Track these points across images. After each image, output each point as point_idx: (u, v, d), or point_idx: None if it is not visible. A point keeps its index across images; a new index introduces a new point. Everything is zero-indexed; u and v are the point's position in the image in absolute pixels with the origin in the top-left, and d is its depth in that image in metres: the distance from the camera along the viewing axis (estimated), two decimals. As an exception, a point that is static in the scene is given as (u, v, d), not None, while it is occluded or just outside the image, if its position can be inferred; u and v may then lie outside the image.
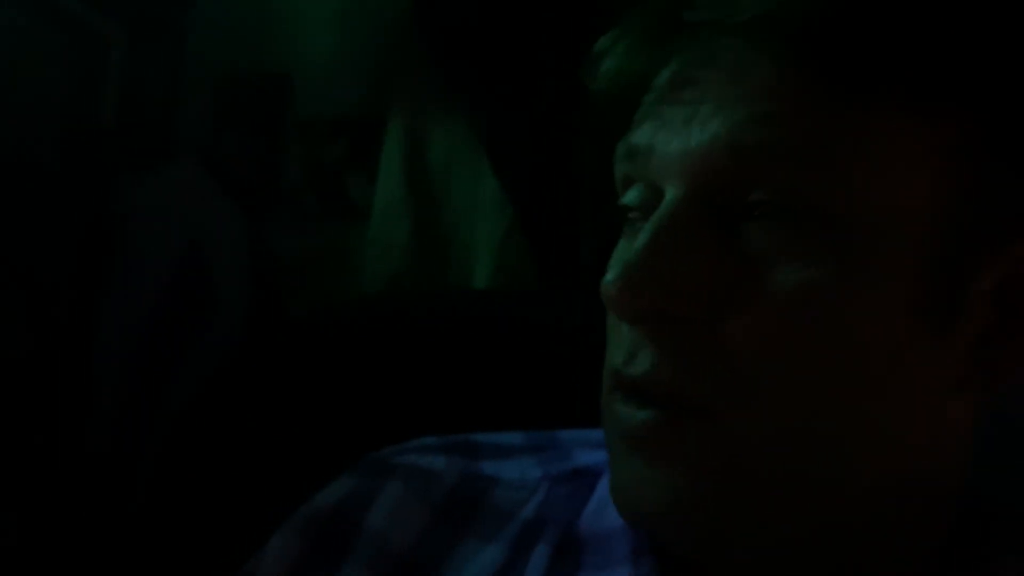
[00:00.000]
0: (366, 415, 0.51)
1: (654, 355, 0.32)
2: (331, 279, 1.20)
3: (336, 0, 1.23)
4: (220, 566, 0.42)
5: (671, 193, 0.33)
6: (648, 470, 0.32)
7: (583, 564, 0.36)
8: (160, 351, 1.24)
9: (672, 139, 0.33)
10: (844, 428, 0.32)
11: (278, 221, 1.29)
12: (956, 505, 0.35)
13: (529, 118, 0.87)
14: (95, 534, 1.04)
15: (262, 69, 1.28)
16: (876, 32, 0.31)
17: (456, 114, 0.98)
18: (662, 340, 0.32)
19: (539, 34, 0.83)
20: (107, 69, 1.23)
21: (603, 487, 0.38)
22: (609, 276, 0.32)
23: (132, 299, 1.27)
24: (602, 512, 0.37)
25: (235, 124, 1.30)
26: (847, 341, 0.31)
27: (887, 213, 0.31)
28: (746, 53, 0.32)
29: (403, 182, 1.03)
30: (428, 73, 1.00)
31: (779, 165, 0.31)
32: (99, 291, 1.26)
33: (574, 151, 0.80)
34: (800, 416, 0.31)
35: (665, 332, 0.32)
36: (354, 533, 0.38)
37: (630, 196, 0.35)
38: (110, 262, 1.27)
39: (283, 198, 1.30)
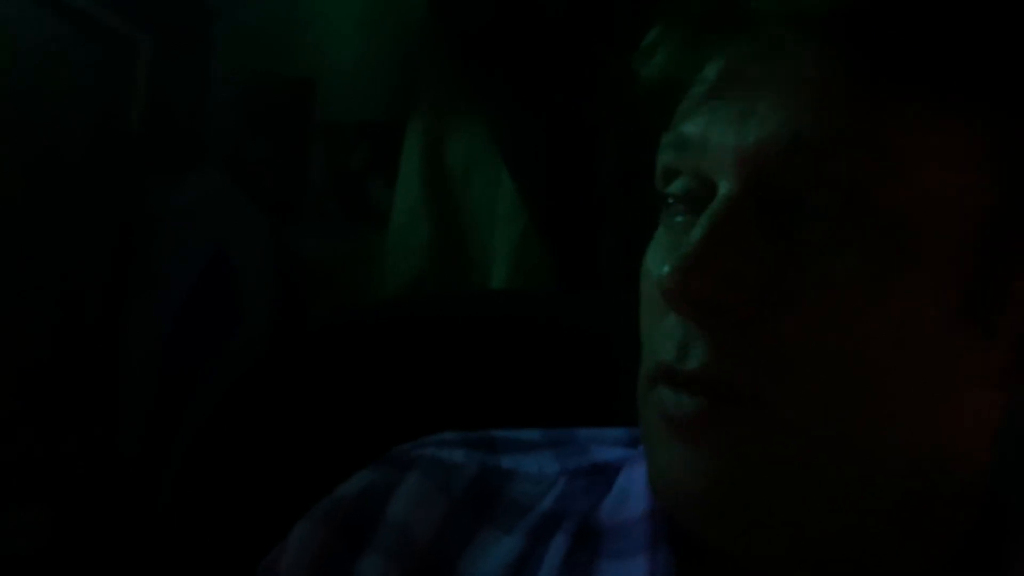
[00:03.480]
0: (388, 416, 0.51)
1: (708, 348, 0.32)
2: (354, 282, 1.21)
3: (359, 6, 1.24)
4: (244, 565, 0.43)
5: (726, 187, 0.33)
6: (692, 454, 0.33)
7: (601, 553, 0.37)
8: (186, 353, 1.26)
9: (727, 132, 0.33)
10: (887, 421, 0.32)
11: (302, 225, 1.30)
12: (978, 502, 0.35)
13: (548, 120, 0.87)
14: (123, 533, 1.05)
15: (286, 75, 1.29)
16: (928, 29, 0.31)
17: (475, 117, 0.98)
18: (717, 333, 0.32)
19: (558, 37, 0.83)
20: (134, 77, 1.25)
21: (622, 480, 0.39)
22: (667, 267, 0.32)
23: (159, 303, 1.29)
24: (622, 503, 0.38)
25: (259, 130, 1.31)
26: (896, 335, 0.32)
27: (937, 209, 0.31)
28: (800, 48, 0.32)
29: (422, 185, 1.03)
30: (448, 77, 1.01)
31: (837, 159, 0.31)
32: (127, 295, 1.27)
33: (594, 153, 0.80)
34: (848, 408, 0.32)
35: (720, 325, 0.32)
36: (375, 523, 0.39)
37: (675, 186, 0.35)
38: (137, 267, 1.28)
39: (307, 202, 1.31)
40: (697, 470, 0.32)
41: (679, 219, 0.35)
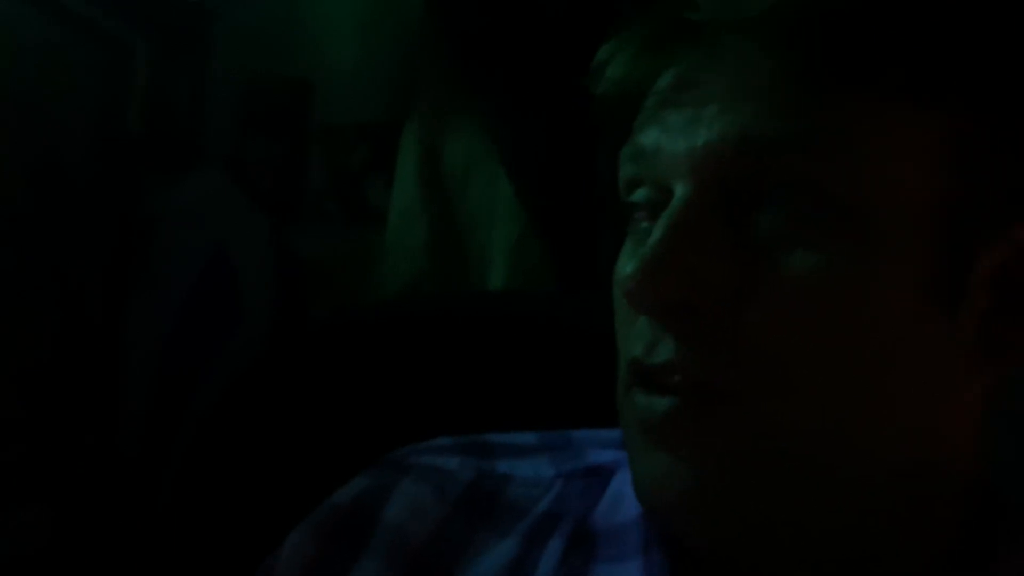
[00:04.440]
0: (387, 417, 0.51)
1: (675, 344, 0.33)
2: (353, 282, 1.21)
3: (357, 7, 1.24)
4: (244, 565, 0.43)
5: (681, 190, 0.33)
6: (671, 460, 0.33)
7: (596, 556, 0.37)
8: (186, 354, 1.26)
9: (678, 139, 0.34)
10: (861, 410, 0.32)
11: (301, 226, 1.31)
12: (970, 494, 0.35)
13: (546, 121, 0.87)
14: (123, 533, 1.06)
15: (285, 76, 1.29)
16: (878, 25, 0.32)
17: (473, 118, 0.98)
18: (682, 330, 0.33)
19: (554, 38, 0.83)
20: (133, 78, 1.25)
21: (617, 483, 0.39)
22: (628, 269, 0.33)
23: (159, 303, 1.29)
24: (616, 506, 0.38)
25: (258, 131, 1.31)
26: (860, 323, 0.32)
27: (893, 199, 0.32)
28: (749, 51, 0.32)
29: (420, 186, 1.03)
30: (447, 78, 1.01)
31: (787, 155, 0.32)
32: (127, 296, 1.28)
33: (592, 153, 0.80)
34: (819, 398, 0.32)
35: (685, 322, 0.33)
36: (371, 527, 0.39)
37: (637, 195, 0.36)
38: (137, 267, 1.28)
39: (306, 203, 1.31)
40: (677, 475, 0.33)
41: (643, 226, 0.36)
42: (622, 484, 0.38)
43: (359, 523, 0.39)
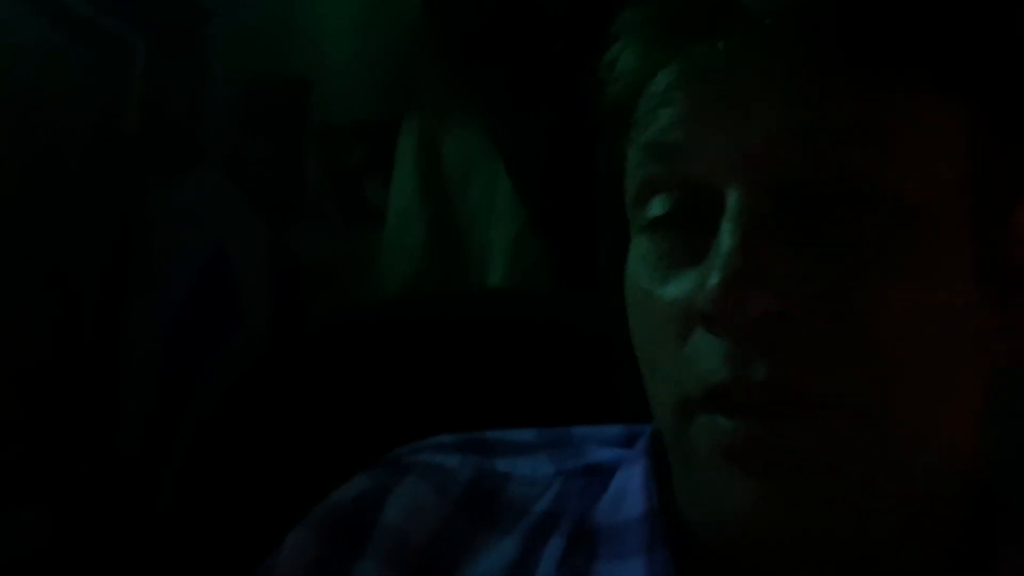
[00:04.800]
0: (387, 417, 0.51)
1: (771, 358, 0.31)
2: (352, 282, 1.21)
3: (354, 6, 1.24)
4: (244, 565, 0.43)
5: (737, 191, 0.31)
6: (763, 487, 0.31)
7: (598, 555, 0.37)
8: (185, 354, 1.26)
9: (720, 135, 0.32)
10: (939, 404, 0.32)
11: (299, 226, 1.31)
12: (969, 493, 0.35)
13: (545, 119, 0.87)
14: (123, 533, 1.06)
15: (282, 76, 1.29)
16: (910, 17, 0.32)
17: (472, 116, 0.98)
18: (777, 343, 0.31)
19: (554, 35, 0.83)
20: (131, 78, 1.25)
21: (618, 481, 0.39)
22: (712, 281, 0.30)
23: (158, 304, 1.29)
24: (617, 505, 0.38)
25: (256, 130, 1.31)
26: (937, 316, 0.32)
27: (936, 188, 0.32)
28: (788, 44, 0.31)
29: (418, 185, 1.03)
30: (445, 77, 1.01)
31: (843, 147, 0.31)
32: (126, 296, 1.27)
33: (592, 151, 0.80)
34: (913, 395, 0.32)
35: (778, 334, 0.31)
36: (371, 527, 0.39)
37: (657, 205, 0.34)
38: (136, 268, 1.28)
39: (304, 203, 1.31)
40: (770, 504, 0.31)
41: (669, 234, 0.34)
42: (624, 481, 0.38)
43: (359, 523, 0.39)
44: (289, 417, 0.53)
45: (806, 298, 0.31)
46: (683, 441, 0.33)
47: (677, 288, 0.33)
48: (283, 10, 1.27)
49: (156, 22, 1.25)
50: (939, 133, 0.32)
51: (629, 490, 0.38)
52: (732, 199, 0.31)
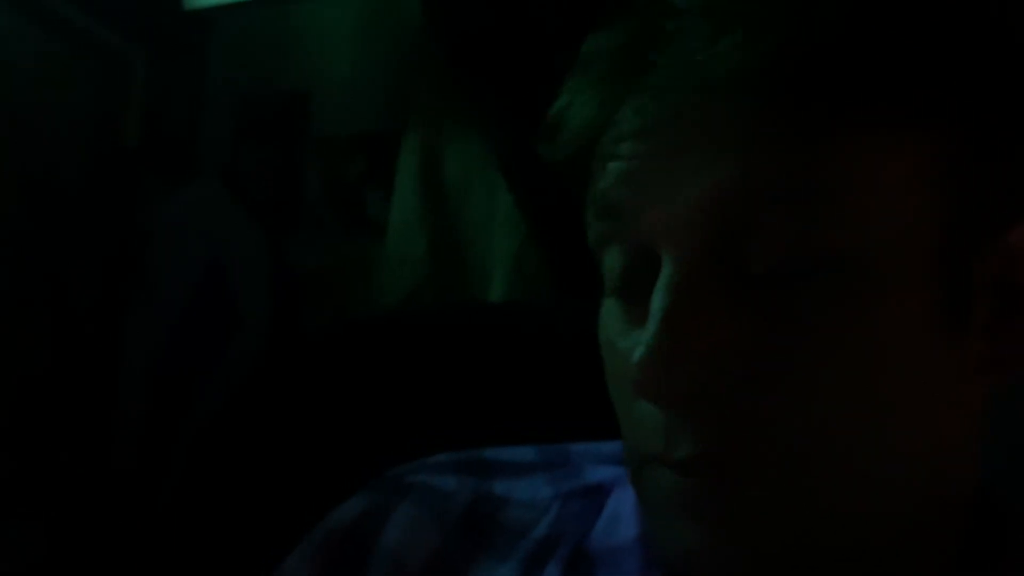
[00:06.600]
0: (385, 428, 0.51)
1: (697, 433, 0.31)
2: (351, 293, 1.21)
3: (353, 20, 1.24)
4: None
5: (671, 258, 0.31)
6: (703, 527, 0.31)
7: None
8: (182, 366, 1.26)
9: (657, 198, 0.31)
10: (887, 447, 0.31)
11: (298, 237, 1.30)
12: (971, 502, 0.35)
13: (542, 130, 0.87)
14: (118, 547, 1.05)
15: (281, 88, 1.29)
16: (858, 64, 0.30)
17: (471, 127, 0.98)
18: (702, 418, 0.30)
19: (553, 45, 0.83)
20: (130, 90, 1.25)
21: (613, 502, 0.38)
22: (636, 356, 0.30)
23: (156, 314, 1.29)
24: (613, 527, 0.37)
25: (255, 143, 1.31)
26: (881, 366, 0.31)
27: (893, 231, 0.31)
28: (717, 103, 0.30)
29: (418, 197, 1.03)
30: (444, 87, 1.01)
31: (780, 210, 0.30)
32: (123, 308, 1.27)
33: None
34: (851, 448, 0.31)
35: (703, 410, 0.30)
36: (369, 552, 0.38)
37: (611, 259, 0.33)
38: (135, 279, 1.28)
39: (303, 214, 1.31)
40: (713, 546, 0.31)
41: (623, 290, 0.33)
42: (618, 504, 0.38)
43: (357, 547, 0.39)
44: (289, 427, 0.52)
45: (733, 373, 0.30)
46: (638, 487, 0.34)
47: (627, 347, 0.32)
48: (282, 22, 1.27)
49: (155, 34, 1.26)
50: (895, 173, 0.31)
51: (623, 513, 0.38)
52: (666, 266, 0.31)
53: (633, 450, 0.34)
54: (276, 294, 1.29)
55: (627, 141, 0.32)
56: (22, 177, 1.19)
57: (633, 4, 0.33)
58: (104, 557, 1.06)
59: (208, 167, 1.36)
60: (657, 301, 0.30)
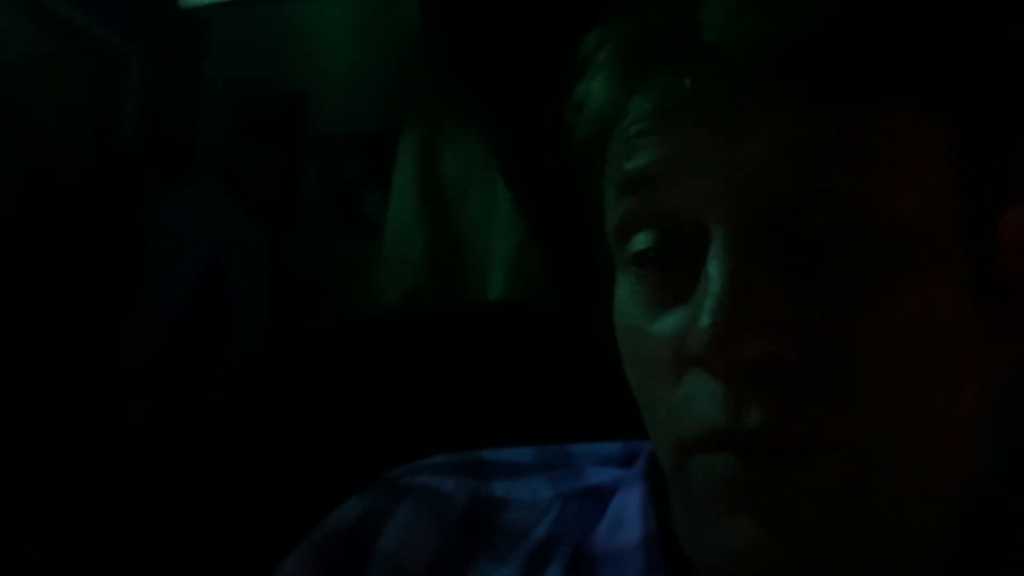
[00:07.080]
0: (384, 427, 0.51)
1: (767, 403, 0.30)
2: (349, 293, 1.21)
3: (351, 20, 1.24)
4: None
5: (724, 225, 0.30)
6: (758, 526, 0.30)
7: None
8: (181, 366, 1.25)
9: (699, 166, 0.31)
10: (943, 425, 0.31)
11: (297, 237, 1.30)
12: (972, 498, 0.35)
13: (542, 130, 0.87)
14: (118, 547, 1.05)
15: (279, 88, 1.29)
16: (889, 41, 0.31)
17: (470, 127, 0.98)
18: (772, 386, 0.30)
19: (553, 44, 0.83)
20: (128, 90, 1.25)
21: (616, 505, 0.38)
22: (701, 325, 0.29)
23: (156, 314, 1.29)
24: (616, 530, 0.37)
25: (253, 142, 1.31)
26: (935, 337, 0.31)
27: (926, 202, 0.31)
28: (762, 72, 0.30)
29: (416, 196, 1.03)
30: (443, 87, 1.01)
31: (831, 173, 0.30)
32: (122, 309, 1.27)
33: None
34: (914, 425, 0.31)
35: (773, 378, 0.30)
36: (367, 556, 0.38)
37: (640, 241, 0.33)
38: (133, 279, 1.28)
39: (301, 214, 1.31)
40: (765, 544, 0.30)
41: (654, 270, 0.33)
42: (622, 505, 0.38)
43: (355, 551, 0.39)
44: (288, 427, 0.52)
45: (800, 339, 0.30)
46: (683, 478, 0.33)
47: (667, 326, 0.32)
48: (281, 22, 1.27)
49: (153, 34, 1.25)
50: (925, 147, 0.31)
51: (627, 515, 0.37)
52: (719, 234, 0.30)
53: (677, 438, 0.32)
54: (275, 294, 1.29)
55: (660, 117, 0.32)
56: (20, 177, 1.19)
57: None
58: (104, 557, 1.06)
59: (207, 167, 1.36)
60: (715, 269, 0.30)
